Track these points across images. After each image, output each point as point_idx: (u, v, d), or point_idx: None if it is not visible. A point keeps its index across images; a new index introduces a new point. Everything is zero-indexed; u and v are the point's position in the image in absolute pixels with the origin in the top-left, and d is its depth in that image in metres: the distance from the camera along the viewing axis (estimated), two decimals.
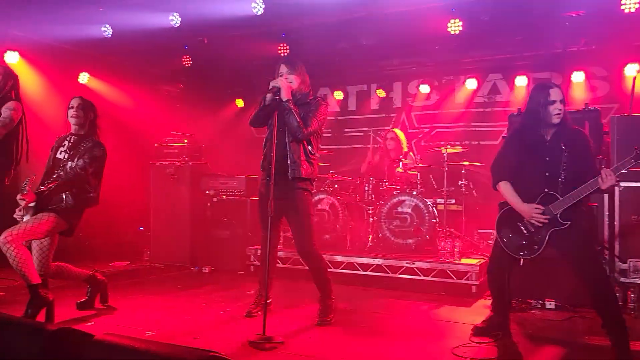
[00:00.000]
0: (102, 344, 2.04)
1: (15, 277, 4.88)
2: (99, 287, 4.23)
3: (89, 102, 4.06)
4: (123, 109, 7.25)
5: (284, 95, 3.70)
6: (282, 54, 6.80)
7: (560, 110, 3.24)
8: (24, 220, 3.69)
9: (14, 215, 3.76)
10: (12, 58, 6.33)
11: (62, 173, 3.79)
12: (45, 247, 3.87)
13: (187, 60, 7.31)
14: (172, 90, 8.48)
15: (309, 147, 3.84)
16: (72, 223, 3.86)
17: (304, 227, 3.81)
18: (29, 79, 6.66)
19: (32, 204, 3.69)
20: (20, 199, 3.65)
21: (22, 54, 6.41)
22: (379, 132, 7.41)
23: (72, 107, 3.97)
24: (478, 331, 3.63)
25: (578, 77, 6.52)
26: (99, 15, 6.10)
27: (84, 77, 7.06)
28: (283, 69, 3.88)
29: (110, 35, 6.29)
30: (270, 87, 3.74)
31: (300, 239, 3.83)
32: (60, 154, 3.94)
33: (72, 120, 3.97)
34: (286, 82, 3.76)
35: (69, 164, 3.82)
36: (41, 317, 3.63)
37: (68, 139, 4.00)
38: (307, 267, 5.61)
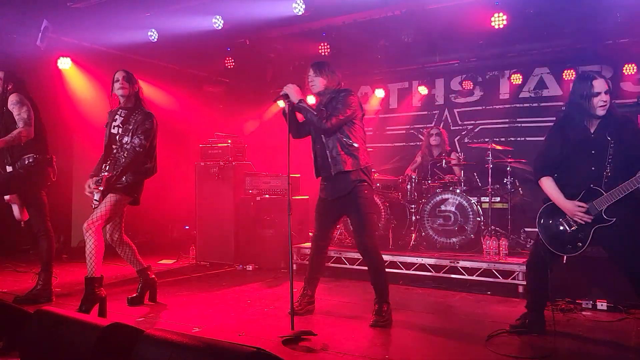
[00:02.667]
0: (152, 339, 2.12)
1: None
2: (149, 284, 4.38)
3: (132, 74, 4.23)
4: (168, 111, 7.47)
5: (294, 98, 3.76)
6: (323, 54, 6.83)
7: (606, 101, 3.11)
8: (95, 197, 3.95)
9: (86, 192, 4.02)
10: (65, 64, 6.63)
11: (123, 154, 4.03)
12: (116, 218, 4.16)
13: (229, 62, 7.45)
14: (215, 92, 8.65)
15: (346, 139, 3.81)
16: (135, 195, 4.14)
17: (362, 223, 3.81)
18: (80, 84, 6.98)
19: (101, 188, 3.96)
20: (90, 191, 3.94)
21: (74, 60, 6.71)
22: (420, 130, 7.35)
23: (118, 80, 4.14)
24: (513, 329, 3.56)
25: (630, 69, 6.25)
26: (145, 21, 6.30)
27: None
28: (310, 72, 3.96)
29: (155, 40, 6.49)
30: (281, 94, 3.82)
31: (360, 236, 3.83)
32: (114, 129, 4.15)
33: (118, 92, 4.15)
34: (293, 85, 3.81)
35: (125, 139, 4.05)
36: (94, 313, 3.78)
37: (118, 113, 4.19)
38: (351, 267, 5.65)
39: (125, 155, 4.03)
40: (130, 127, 4.08)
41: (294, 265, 6.03)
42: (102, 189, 3.91)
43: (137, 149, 4.02)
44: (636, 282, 3.04)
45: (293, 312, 3.47)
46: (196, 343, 1.98)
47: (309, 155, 4.03)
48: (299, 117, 3.97)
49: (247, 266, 6.31)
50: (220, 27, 6.20)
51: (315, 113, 3.73)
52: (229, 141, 6.80)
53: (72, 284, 5.03)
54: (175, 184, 7.08)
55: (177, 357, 1.93)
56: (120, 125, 4.13)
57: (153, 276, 4.42)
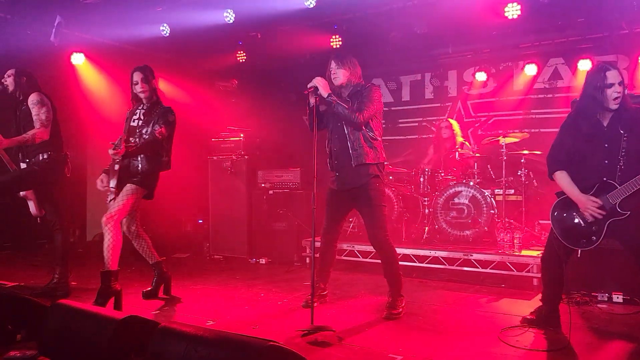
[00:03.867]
0: (168, 331, 2.15)
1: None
2: (163, 278, 4.42)
3: (148, 69, 4.27)
4: (181, 105, 7.49)
5: (323, 92, 3.73)
6: (334, 46, 6.80)
7: (619, 93, 3.06)
8: (111, 185, 3.99)
9: (97, 187, 4.11)
10: (78, 59, 6.68)
11: (140, 139, 4.08)
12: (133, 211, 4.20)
13: (241, 56, 7.45)
14: (227, 86, 8.65)
15: (369, 133, 3.83)
16: (150, 188, 4.18)
17: (375, 216, 3.81)
18: (93, 79, 7.02)
19: (116, 167, 3.98)
20: (113, 153, 3.92)
21: (87, 56, 6.75)
22: (433, 122, 7.29)
23: (137, 83, 4.21)
24: (527, 322, 3.55)
25: None
26: (157, 15, 6.32)
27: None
28: (332, 64, 3.91)
29: (167, 34, 6.51)
30: (308, 88, 3.78)
31: (372, 228, 3.82)
32: (134, 122, 4.21)
33: (141, 95, 4.23)
34: (321, 79, 3.78)
35: (145, 129, 4.12)
36: (110, 306, 3.83)
37: (140, 107, 4.26)
38: (364, 260, 5.65)
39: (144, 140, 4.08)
40: (152, 119, 4.14)
41: (307, 259, 6.05)
42: (116, 167, 3.94)
43: (156, 135, 4.08)
44: None
45: (312, 306, 3.46)
46: (211, 336, 1.99)
47: (323, 150, 4.00)
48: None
49: (260, 260, 6.33)
50: (231, 21, 6.19)
51: (346, 107, 3.73)
52: (242, 135, 6.82)
53: (88, 277, 5.10)
54: (188, 178, 7.11)
55: (192, 350, 1.95)
56: (142, 117, 4.20)
57: (166, 270, 4.46)
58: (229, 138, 6.86)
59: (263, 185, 6.57)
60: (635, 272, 3.27)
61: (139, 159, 4.09)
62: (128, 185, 4.03)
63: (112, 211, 3.93)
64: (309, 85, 3.77)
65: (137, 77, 4.21)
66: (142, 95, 4.22)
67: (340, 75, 3.86)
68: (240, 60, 7.50)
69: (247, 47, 7.35)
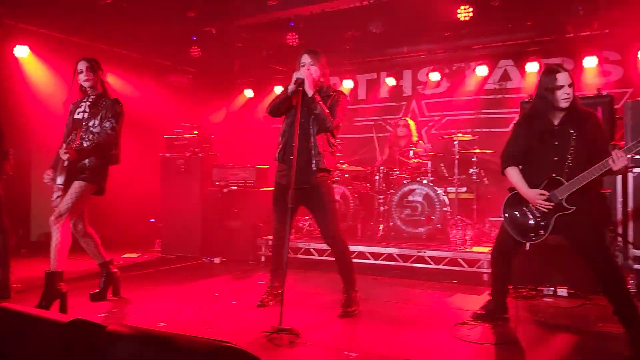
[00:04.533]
0: (115, 335, 2.06)
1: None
2: (112, 278, 4.27)
3: (94, 60, 4.12)
4: (131, 100, 7.27)
5: (309, 88, 3.66)
6: (291, 43, 6.77)
7: (569, 94, 3.19)
8: (58, 182, 3.83)
9: (44, 180, 3.93)
10: (22, 52, 6.37)
11: (88, 137, 3.90)
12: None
13: (195, 51, 7.31)
14: (181, 81, 8.48)
15: (332, 139, 3.85)
16: (100, 183, 4.02)
17: (328, 213, 3.81)
18: (39, 73, 6.71)
19: (65, 163, 3.80)
20: (64, 152, 3.73)
21: (32, 48, 6.44)
22: (388, 121, 7.38)
23: (82, 71, 4.05)
24: (477, 317, 3.65)
25: (590, 62, 6.41)
26: (107, 7, 6.10)
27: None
28: (306, 59, 3.81)
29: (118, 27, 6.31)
30: (294, 78, 3.69)
31: (326, 225, 3.82)
32: (78, 115, 4.05)
33: (85, 84, 4.07)
34: (310, 74, 3.71)
35: (92, 122, 3.96)
36: (55, 309, 3.67)
37: (84, 100, 4.10)
38: (319, 258, 5.65)
39: (93, 138, 3.92)
40: (99, 111, 3.99)
41: (262, 258, 6.00)
42: (67, 155, 3.73)
43: (109, 131, 3.94)
44: (595, 269, 3.15)
45: (282, 306, 3.39)
46: (162, 338, 1.93)
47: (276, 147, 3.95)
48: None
49: (215, 259, 6.24)
50: (186, 15, 6.06)
51: (326, 110, 3.69)
52: (195, 132, 6.68)
53: (32, 279, 4.87)
54: (139, 176, 6.92)
55: (141, 353, 1.88)
56: (87, 110, 4.03)
57: (116, 270, 4.31)
58: (182, 135, 6.72)
59: (218, 183, 6.46)
60: (579, 267, 3.40)
61: (87, 159, 3.93)
62: (76, 182, 3.87)
63: (61, 210, 3.77)
64: (297, 76, 3.68)
65: (82, 65, 4.05)
66: (86, 85, 4.06)
67: (313, 71, 3.78)
68: (195, 56, 7.35)
69: (202, 42, 7.22)
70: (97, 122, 3.96)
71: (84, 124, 3.98)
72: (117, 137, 4.07)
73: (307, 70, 3.74)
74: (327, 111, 3.70)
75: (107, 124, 3.95)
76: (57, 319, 2.38)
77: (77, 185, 3.86)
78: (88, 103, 4.05)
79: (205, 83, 8.74)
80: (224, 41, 7.22)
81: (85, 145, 3.86)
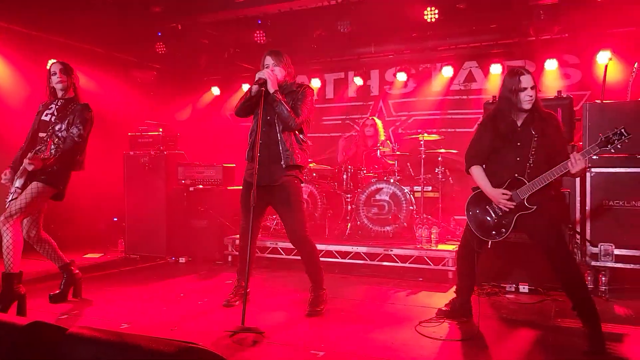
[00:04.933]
0: (76, 338, 1.99)
1: None
2: (73, 280, 4.15)
3: (68, 65, 4.06)
4: (94, 96, 7.08)
5: (271, 87, 3.66)
6: (258, 41, 6.73)
7: (531, 96, 3.28)
8: (17, 184, 3.73)
9: (1, 180, 3.83)
10: None
11: (55, 141, 3.82)
12: (35, 213, 3.92)
13: (160, 47, 7.17)
14: (145, 78, 8.30)
15: (300, 135, 3.84)
16: (60, 188, 3.89)
17: (295, 212, 3.78)
18: None
19: (29, 168, 3.68)
20: (28, 163, 3.64)
21: None
22: (356, 120, 7.42)
23: (55, 73, 3.98)
24: (442, 314, 3.72)
25: (551, 64, 6.60)
26: (70, 1, 5.93)
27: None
28: (269, 60, 3.82)
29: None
30: (256, 78, 3.69)
31: (293, 225, 3.79)
32: (46, 116, 3.95)
33: (57, 86, 3.99)
34: (272, 73, 3.71)
35: (58, 126, 3.87)
36: (12, 312, 3.54)
37: (55, 102, 4.01)
38: (287, 257, 5.64)
39: (59, 143, 3.82)
40: (67, 116, 3.90)
41: (229, 257, 5.94)
42: (32, 167, 3.64)
43: (75, 138, 3.85)
44: (555, 266, 3.24)
45: (245, 306, 3.36)
46: (124, 340, 1.88)
47: (245, 145, 3.92)
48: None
49: (180, 259, 6.14)
50: (151, 10, 5.94)
51: (289, 109, 3.66)
52: (160, 129, 6.56)
53: None
54: (102, 174, 6.73)
55: (103, 356, 1.83)
56: (55, 113, 3.94)
57: (77, 271, 4.20)
58: (147, 132, 6.58)
59: (183, 181, 6.36)
60: (540, 264, 3.50)
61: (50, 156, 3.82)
62: (34, 182, 3.74)
63: (12, 210, 3.64)
64: (258, 76, 3.68)
65: (55, 67, 3.99)
66: (58, 87, 3.97)
67: (277, 72, 3.79)
68: (160, 52, 7.22)
69: (167, 39, 7.09)
70: (64, 126, 3.87)
71: (50, 127, 3.88)
72: (83, 143, 3.98)
73: (271, 71, 3.74)
74: (289, 110, 3.67)
75: (75, 130, 3.87)
76: (15, 322, 2.30)
77: (33, 186, 3.73)
78: (57, 106, 3.97)
79: (171, 80, 8.59)
80: (189, 38, 7.11)
81: (52, 152, 3.76)
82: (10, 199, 3.72)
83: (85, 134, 3.93)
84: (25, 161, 3.65)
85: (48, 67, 4.03)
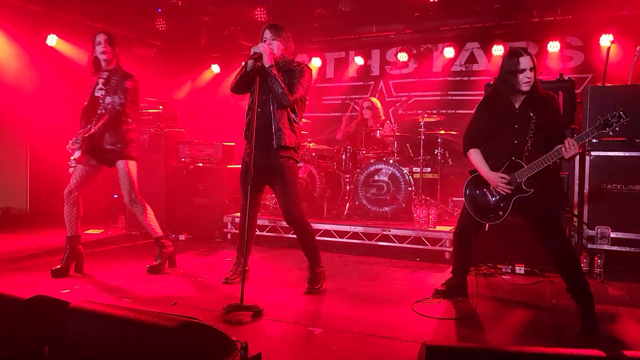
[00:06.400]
0: (79, 312, 2.03)
1: None
2: (75, 255, 4.20)
3: (113, 35, 4.16)
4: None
5: (267, 62, 3.58)
6: (259, 19, 6.66)
7: (530, 78, 3.24)
8: (75, 156, 3.99)
9: (67, 146, 4.05)
10: None
11: (103, 111, 4.05)
12: (85, 175, 4.19)
13: (161, 24, 7.11)
14: (145, 54, 8.25)
15: (293, 115, 3.77)
16: (133, 156, 4.29)
17: (290, 193, 3.78)
18: None
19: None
20: (73, 148, 3.96)
21: None
22: (356, 101, 7.40)
23: (100, 43, 4.08)
24: (438, 293, 3.76)
25: (553, 46, 6.56)
26: None
27: (52, 40, 6.78)
28: (267, 34, 3.73)
29: None
30: (251, 52, 3.59)
31: (287, 205, 3.79)
32: (97, 92, 4.12)
33: (101, 57, 4.10)
34: (268, 47, 3.62)
35: (107, 99, 4.07)
36: (20, 286, 3.59)
37: (102, 75, 4.14)
38: (286, 235, 5.68)
39: (102, 112, 4.06)
40: (112, 88, 4.06)
41: (228, 235, 5.99)
42: (79, 150, 3.92)
43: (117, 107, 4.03)
44: (550, 248, 3.27)
45: (243, 283, 3.39)
46: (126, 314, 1.92)
47: (243, 124, 3.91)
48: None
49: (180, 236, 6.19)
50: None
51: (283, 86, 3.60)
52: (161, 107, 6.54)
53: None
54: None
55: (106, 330, 1.87)
56: (103, 87, 4.09)
57: (79, 246, 4.24)
58: (147, 110, 6.56)
59: (184, 159, 6.37)
60: (536, 246, 3.53)
61: (106, 137, 4.07)
62: (120, 162, 4.18)
63: (129, 193, 4.32)
64: (253, 51, 3.59)
65: (100, 37, 4.07)
66: (102, 57, 4.09)
67: (275, 47, 3.69)
68: (160, 28, 7.15)
69: (168, 15, 7.02)
70: (111, 98, 4.06)
71: (101, 101, 4.08)
72: (130, 111, 4.15)
73: (267, 45, 3.66)
74: (283, 86, 3.60)
75: (117, 99, 4.04)
76: (18, 296, 2.33)
77: (127, 164, 4.22)
78: (102, 80, 4.10)
79: (171, 57, 8.53)
80: (190, 14, 7.05)
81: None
82: (71, 168, 4.03)
83: (128, 102, 4.08)
84: (72, 140, 3.96)
85: (93, 38, 4.12)
